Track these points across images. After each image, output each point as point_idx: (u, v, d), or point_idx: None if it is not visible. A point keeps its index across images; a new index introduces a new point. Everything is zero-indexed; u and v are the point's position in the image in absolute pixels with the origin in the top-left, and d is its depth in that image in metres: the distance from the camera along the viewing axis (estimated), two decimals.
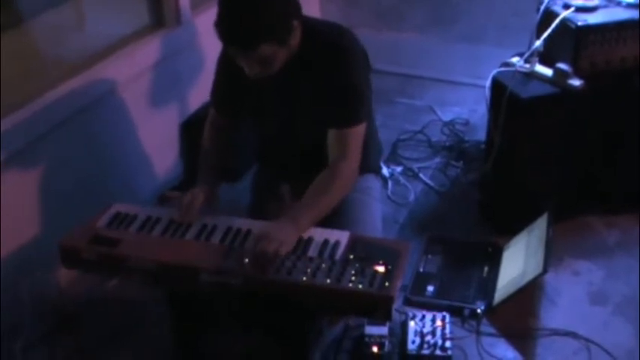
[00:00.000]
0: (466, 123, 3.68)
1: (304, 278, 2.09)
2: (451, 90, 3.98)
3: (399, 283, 2.10)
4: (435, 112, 3.80)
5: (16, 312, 2.53)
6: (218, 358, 2.33)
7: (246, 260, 2.13)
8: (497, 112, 2.82)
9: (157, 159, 3.16)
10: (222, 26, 2.17)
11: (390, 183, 3.27)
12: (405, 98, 3.91)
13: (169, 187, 3.09)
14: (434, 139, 3.60)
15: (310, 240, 2.24)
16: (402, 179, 3.33)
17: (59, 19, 2.83)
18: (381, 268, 2.12)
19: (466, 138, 3.56)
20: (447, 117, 3.75)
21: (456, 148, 3.49)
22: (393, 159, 3.45)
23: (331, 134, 2.36)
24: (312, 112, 2.38)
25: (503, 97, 2.76)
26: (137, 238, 2.30)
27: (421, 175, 3.35)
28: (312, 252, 2.19)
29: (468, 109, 3.79)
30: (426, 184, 3.31)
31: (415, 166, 3.41)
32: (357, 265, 2.13)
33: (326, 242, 2.23)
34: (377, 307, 2.06)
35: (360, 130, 2.37)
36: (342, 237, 2.25)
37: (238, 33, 2.16)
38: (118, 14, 3.07)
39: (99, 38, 2.92)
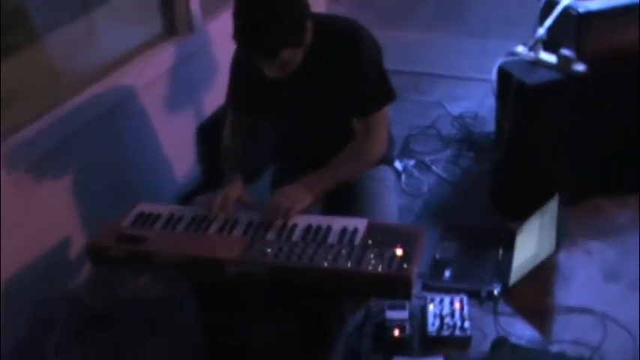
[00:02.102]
0: (475, 116, 3.76)
1: (326, 264, 2.17)
2: (459, 85, 4.07)
3: (417, 265, 2.17)
4: (444, 107, 3.88)
5: (49, 311, 2.63)
6: (245, 347, 2.40)
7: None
8: (505, 100, 2.90)
9: (176, 162, 3.25)
10: (243, 38, 2.24)
11: (403, 176, 3.34)
12: (414, 95, 3.99)
13: (188, 189, 3.18)
14: (444, 132, 3.68)
15: (329, 228, 2.31)
16: (415, 172, 3.41)
17: (78, 31, 2.92)
18: (399, 251, 2.19)
19: (476, 130, 3.64)
20: (456, 111, 3.83)
21: (466, 140, 3.58)
22: (406, 153, 3.53)
23: (356, 121, 2.46)
24: (330, 103, 2.46)
25: (510, 85, 2.84)
26: (162, 234, 2.38)
27: (433, 167, 3.44)
28: (332, 239, 2.27)
29: (477, 102, 3.86)
30: (438, 175, 3.39)
31: (427, 158, 3.49)
32: (375, 249, 2.20)
33: (345, 230, 2.30)
34: (397, 288, 2.13)
35: (383, 113, 2.48)
36: (360, 224, 2.32)
37: (260, 43, 2.22)
38: (133, 25, 3.17)
39: (116, 48, 3.02)
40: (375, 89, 2.47)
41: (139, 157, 3.04)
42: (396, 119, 3.37)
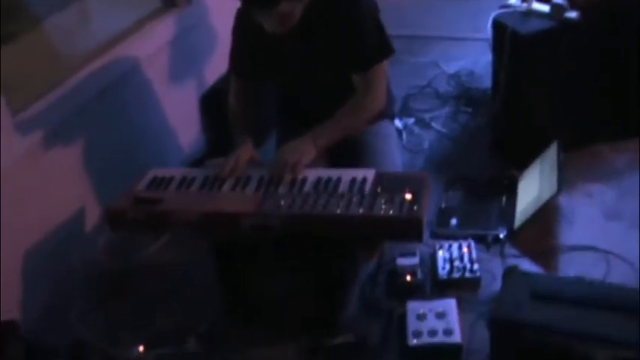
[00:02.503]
0: (471, 74, 3.83)
1: (339, 211, 2.26)
2: (454, 45, 4.14)
3: (426, 207, 2.27)
4: (440, 67, 3.96)
5: (69, 281, 2.70)
6: (261, 300, 2.48)
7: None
8: (501, 52, 2.97)
9: (181, 131, 3.33)
10: None
11: (404, 134, 3.42)
12: (411, 57, 4.06)
13: (195, 158, 3.25)
14: (441, 90, 3.76)
15: (339, 179, 2.41)
16: (415, 129, 3.48)
17: (81, 10, 3.01)
18: (408, 196, 2.28)
19: (472, 87, 3.71)
20: (451, 70, 3.90)
21: (463, 97, 3.65)
22: (405, 112, 3.61)
23: (355, 76, 2.53)
24: (330, 60, 2.54)
25: (504, 36, 2.91)
26: (177, 195, 2.47)
27: (433, 124, 3.51)
28: (343, 188, 2.36)
29: (472, 61, 3.93)
30: (438, 131, 3.47)
31: (426, 116, 3.57)
32: (385, 195, 2.30)
33: (354, 179, 2.39)
34: (409, 230, 2.23)
35: (382, 67, 2.58)
36: (368, 174, 2.41)
37: None
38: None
39: (118, 23, 3.10)
40: (372, 44, 2.56)
41: (145, 128, 3.12)
42: (394, 80, 3.43)
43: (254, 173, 2.50)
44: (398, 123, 3.38)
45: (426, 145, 3.39)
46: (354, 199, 2.30)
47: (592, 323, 1.83)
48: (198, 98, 3.43)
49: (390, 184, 2.36)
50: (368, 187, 2.35)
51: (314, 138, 2.52)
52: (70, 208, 2.77)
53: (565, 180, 2.78)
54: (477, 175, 3.09)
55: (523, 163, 2.99)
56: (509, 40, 2.90)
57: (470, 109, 3.55)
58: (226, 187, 2.47)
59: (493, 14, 3.03)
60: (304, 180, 2.43)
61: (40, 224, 2.63)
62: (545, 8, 2.91)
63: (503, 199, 2.91)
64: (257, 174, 2.49)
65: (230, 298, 2.51)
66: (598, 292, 1.88)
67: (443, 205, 2.93)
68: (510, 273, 2.07)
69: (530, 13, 2.94)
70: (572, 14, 2.84)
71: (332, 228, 2.27)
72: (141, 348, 2.40)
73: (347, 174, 2.43)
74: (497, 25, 3.00)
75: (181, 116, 3.31)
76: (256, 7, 2.37)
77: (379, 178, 2.39)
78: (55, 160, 2.68)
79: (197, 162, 3.06)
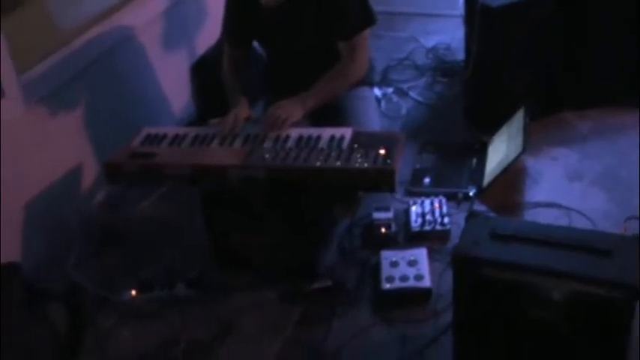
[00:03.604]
0: (447, 47, 4.02)
1: (318, 163, 2.46)
2: (432, 21, 4.34)
3: (398, 161, 2.47)
4: (418, 41, 4.15)
5: (67, 232, 2.89)
6: (247, 248, 2.67)
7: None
8: (472, 24, 3.18)
9: (173, 98, 3.51)
10: None
11: (383, 102, 3.62)
12: (391, 32, 4.26)
13: (185, 123, 3.44)
14: (419, 62, 3.96)
15: (319, 137, 2.60)
16: (393, 98, 3.68)
17: None
18: (382, 151, 2.48)
19: (448, 59, 3.91)
20: (429, 44, 4.10)
21: (440, 68, 3.85)
22: (385, 82, 3.80)
23: (341, 43, 2.75)
24: (317, 28, 2.76)
25: (475, 9, 3.11)
26: (170, 150, 2.66)
27: (410, 93, 3.71)
28: (322, 144, 2.56)
29: (449, 36, 4.11)
30: (415, 100, 3.67)
31: (404, 86, 3.76)
32: (361, 150, 2.50)
33: (333, 137, 2.59)
34: (382, 181, 2.43)
35: (365, 35, 2.80)
36: (346, 132, 2.61)
37: None
38: None
39: None
40: (357, 13, 2.78)
41: (139, 92, 3.30)
42: (375, 54, 3.63)
43: (245, 130, 2.69)
44: (377, 91, 3.58)
45: (403, 112, 3.58)
46: (333, 154, 2.50)
47: (548, 260, 2.00)
48: (189, 66, 3.60)
49: (367, 140, 2.56)
50: (346, 143, 2.55)
51: (303, 99, 2.73)
52: (68, 164, 2.95)
53: (532, 144, 3.00)
54: (450, 139, 3.30)
55: (493, 128, 3.18)
56: (479, 13, 3.10)
57: (445, 80, 3.76)
58: (215, 142, 2.66)
59: None
60: (287, 137, 2.63)
61: (40, 179, 2.81)
62: None
63: (474, 160, 3.11)
64: (245, 130, 2.68)
65: (217, 246, 2.70)
66: (554, 233, 2.06)
67: (417, 166, 3.12)
68: (473, 216, 2.28)
69: None
70: None
71: (312, 179, 2.47)
72: (133, 292, 2.58)
73: (327, 132, 2.63)
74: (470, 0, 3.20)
75: (173, 82, 3.49)
76: None
77: (356, 136, 2.59)
78: (54, 119, 2.86)
79: (187, 125, 3.25)
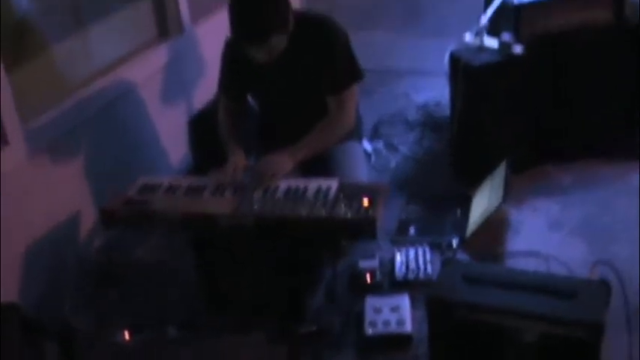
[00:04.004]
0: (437, 104, 4.18)
1: (304, 212, 2.59)
2: (423, 79, 4.50)
3: (381, 210, 2.59)
4: (409, 98, 4.32)
5: (64, 275, 3.01)
6: (236, 292, 2.78)
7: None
8: (456, 81, 3.34)
9: (171, 150, 3.65)
10: (238, 27, 2.72)
11: (373, 156, 3.75)
12: (383, 88, 4.43)
13: (182, 175, 3.58)
14: (410, 118, 4.12)
15: (307, 188, 2.73)
16: (383, 152, 3.83)
17: (88, 35, 3.35)
18: (365, 201, 2.60)
19: (437, 115, 4.06)
20: (420, 100, 4.27)
21: (429, 124, 4.01)
22: (376, 136, 3.96)
23: (329, 97, 2.91)
24: (308, 83, 2.92)
25: (459, 67, 3.28)
26: (163, 198, 2.79)
27: (400, 147, 3.86)
28: (309, 195, 2.68)
29: (439, 93, 4.25)
30: (404, 154, 3.81)
31: (395, 140, 3.92)
32: (346, 200, 2.62)
33: (320, 188, 2.72)
34: (364, 229, 2.54)
35: (353, 90, 2.95)
36: (332, 183, 2.74)
37: (252, 31, 2.70)
38: (131, 28, 3.58)
39: (118, 48, 3.44)
40: (345, 70, 2.94)
41: (139, 143, 3.44)
42: (367, 109, 3.81)
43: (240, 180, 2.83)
44: (368, 145, 3.71)
45: (392, 165, 3.73)
46: (319, 204, 2.62)
47: (520, 302, 2.12)
48: (187, 120, 3.77)
49: (351, 191, 2.68)
50: (332, 194, 2.67)
51: (292, 152, 2.86)
52: (69, 209, 3.06)
53: (515, 196, 3.13)
54: (436, 192, 3.43)
55: (478, 181, 3.31)
56: (462, 71, 3.26)
57: (434, 135, 3.90)
58: (207, 192, 2.79)
59: (450, 48, 3.40)
60: (277, 187, 2.75)
61: (42, 223, 2.92)
62: (494, 44, 3.29)
63: (458, 212, 3.23)
64: (239, 181, 2.82)
65: (208, 289, 2.81)
66: (524, 278, 2.19)
67: (403, 217, 3.25)
68: (448, 262, 2.39)
69: (482, 49, 3.32)
70: (518, 49, 3.22)
71: (298, 228, 2.59)
72: (126, 333, 2.68)
73: (314, 183, 2.75)
74: (454, 59, 3.37)
75: (171, 135, 3.64)
76: (248, 42, 2.73)
77: (342, 187, 2.71)
78: (56, 166, 2.99)
79: (184, 176, 3.39)
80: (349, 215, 2.55)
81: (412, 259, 2.94)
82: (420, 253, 2.96)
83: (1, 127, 2.71)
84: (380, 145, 3.87)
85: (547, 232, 3.11)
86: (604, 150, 3.48)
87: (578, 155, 3.48)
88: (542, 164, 3.50)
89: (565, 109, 3.41)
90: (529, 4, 3.26)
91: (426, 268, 2.88)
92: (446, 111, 4.04)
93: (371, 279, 2.86)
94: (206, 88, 3.69)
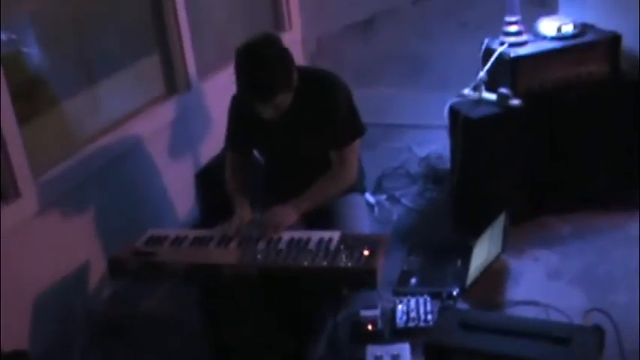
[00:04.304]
0: (439, 156, 4.26)
1: (306, 263, 2.65)
2: (425, 132, 4.58)
3: (382, 260, 2.65)
4: (412, 151, 4.40)
5: (73, 325, 3.07)
6: (240, 340, 2.83)
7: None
8: (456, 133, 3.42)
9: (177, 203, 3.74)
10: (245, 85, 2.82)
11: (375, 208, 3.83)
12: (386, 142, 4.52)
13: (188, 227, 3.66)
14: (412, 171, 4.20)
15: (309, 239, 2.80)
16: (386, 204, 3.89)
17: (98, 91, 3.48)
18: (366, 252, 2.67)
19: (439, 167, 4.14)
20: (423, 153, 4.35)
21: (431, 176, 4.08)
22: (379, 189, 4.03)
23: (332, 152, 3.01)
24: (311, 138, 3.01)
25: (458, 120, 3.37)
26: (170, 249, 2.85)
27: (402, 199, 3.93)
28: (311, 246, 2.75)
29: (441, 146, 4.32)
30: (406, 206, 3.88)
31: (397, 193, 3.99)
32: (347, 251, 2.69)
33: (322, 239, 2.78)
34: (365, 279, 2.59)
35: (355, 145, 3.04)
36: (334, 235, 2.80)
37: (259, 89, 2.80)
38: (140, 84, 3.72)
39: (127, 103, 3.56)
40: (347, 126, 3.03)
41: (146, 196, 3.53)
42: (370, 162, 3.90)
43: (244, 232, 2.90)
44: (371, 198, 3.80)
45: (394, 217, 3.79)
46: (320, 254, 2.68)
47: (515, 348, 2.18)
48: (194, 174, 3.86)
49: (353, 242, 2.74)
50: (333, 244, 2.74)
51: (296, 204, 2.94)
52: (78, 261, 3.15)
53: (515, 246, 3.19)
54: (437, 242, 3.49)
55: (478, 231, 3.37)
56: (462, 123, 3.35)
57: (435, 187, 3.98)
58: (213, 243, 2.86)
59: (450, 102, 3.50)
60: (280, 238, 2.83)
61: (51, 273, 3.01)
62: (492, 97, 3.38)
63: (458, 262, 3.28)
64: (244, 233, 2.89)
65: (213, 339, 2.86)
66: (519, 324, 2.24)
67: (404, 268, 3.31)
68: (445, 308, 2.45)
69: (481, 101, 3.41)
70: (515, 102, 3.32)
71: (300, 277, 2.65)
72: None
73: (316, 234, 2.82)
74: (453, 111, 3.46)
75: (178, 189, 3.73)
76: (256, 100, 2.84)
77: (344, 238, 2.78)
78: (66, 218, 3.08)
79: (190, 229, 3.47)
80: (350, 265, 2.61)
81: (413, 308, 2.99)
82: (421, 302, 3.01)
83: (14, 180, 2.81)
84: (383, 197, 3.94)
85: (546, 282, 3.16)
86: (602, 200, 3.54)
87: (577, 206, 3.54)
88: (542, 215, 3.56)
89: (562, 160, 3.49)
90: (525, 58, 3.36)
91: (426, 317, 2.93)
92: (447, 163, 4.10)
93: (372, 328, 2.91)
94: (212, 143, 3.80)
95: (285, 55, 2.84)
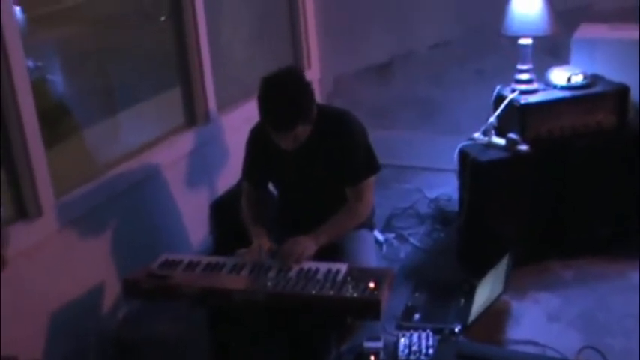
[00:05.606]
0: (449, 199, 4.36)
1: (313, 291, 2.75)
2: (436, 175, 4.68)
3: (387, 292, 2.75)
4: (422, 192, 4.51)
5: (85, 344, 3.17)
6: None
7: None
8: (465, 176, 3.53)
9: (192, 231, 3.85)
10: (267, 115, 2.95)
11: (384, 246, 3.93)
12: (398, 184, 4.63)
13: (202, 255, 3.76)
14: (422, 212, 4.30)
15: (318, 269, 2.90)
16: (394, 243, 3.99)
17: (119, 120, 3.64)
18: (372, 284, 2.77)
19: (448, 209, 4.24)
20: (433, 195, 4.45)
21: (440, 217, 4.18)
22: (388, 229, 4.13)
23: (348, 188, 3.12)
24: (327, 173, 3.12)
25: (467, 162, 3.48)
26: (183, 273, 2.97)
27: (410, 239, 4.03)
28: (320, 276, 2.85)
29: (451, 189, 4.41)
30: (414, 245, 3.98)
31: (406, 232, 4.09)
32: (353, 282, 2.79)
33: (329, 270, 2.88)
34: (369, 309, 2.70)
35: (370, 181, 3.15)
36: (342, 267, 2.91)
37: (280, 120, 2.93)
38: (161, 115, 3.87)
39: (147, 133, 3.70)
40: (363, 163, 3.14)
41: (162, 223, 3.65)
42: (381, 202, 4.00)
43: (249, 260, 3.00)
44: (380, 236, 3.89)
45: (402, 255, 3.89)
46: (327, 284, 2.79)
47: None
48: (209, 204, 3.98)
49: (359, 274, 2.85)
50: (340, 275, 2.84)
51: (316, 236, 3.03)
52: (93, 281, 3.26)
53: (518, 288, 3.27)
54: (442, 280, 3.58)
55: (483, 271, 3.46)
56: (471, 166, 3.46)
57: (443, 228, 4.07)
58: (225, 270, 2.97)
59: (460, 145, 3.61)
60: (289, 268, 2.93)
61: (67, 292, 3.12)
62: (501, 142, 3.50)
63: (462, 300, 3.37)
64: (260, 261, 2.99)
65: None
66: (516, 357, 2.32)
67: (409, 304, 3.39)
68: (444, 340, 2.54)
69: (490, 145, 3.53)
70: (524, 147, 3.43)
71: (306, 305, 2.75)
72: None
73: (325, 265, 2.92)
74: (463, 154, 3.58)
75: (193, 217, 3.85)
76: (276, 130, 2.96)
77: (351, 270, 2.88)
78: (84, 239, 3.20)
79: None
80: (355, 295, 2.71)
81: (415, 342, 3.07)
82: (424, 336, 3.09)
83: (37, 199, 2.94)
84: (391, 236, 4.04)
85: (546, 323, 3.24)
86: (605, 247, 3.63)
87: (579, 252, 3.62)
88: (545, 259, 3.64)
89: (567, 206, 3.58)
90: (535, 105, 3.49)
91: (427, 351, 3.01)
92: (456, 206, 4.19)
93: (375, 359, 2.99)
94: (228, 175, 3.93)
95: (307, 88, 2.98)
